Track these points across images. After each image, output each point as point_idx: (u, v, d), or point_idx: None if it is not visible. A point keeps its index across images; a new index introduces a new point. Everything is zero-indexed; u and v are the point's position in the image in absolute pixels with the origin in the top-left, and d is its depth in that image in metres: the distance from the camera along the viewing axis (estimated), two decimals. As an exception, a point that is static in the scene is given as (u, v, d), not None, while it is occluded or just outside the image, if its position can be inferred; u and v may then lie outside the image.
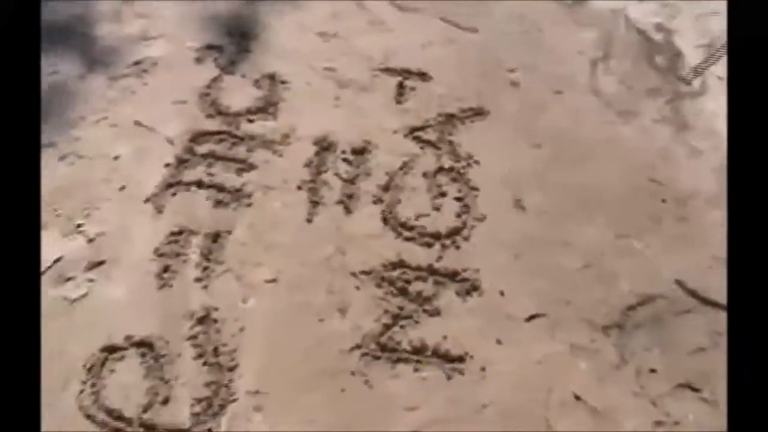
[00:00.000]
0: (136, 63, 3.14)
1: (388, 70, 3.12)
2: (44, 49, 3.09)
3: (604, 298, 2.49)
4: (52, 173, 2.76)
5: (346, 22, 3.30)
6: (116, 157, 2.83)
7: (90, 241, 2.60)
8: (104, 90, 3.05)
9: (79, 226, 2.64)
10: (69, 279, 2.51)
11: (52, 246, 2.57)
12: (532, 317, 2.45)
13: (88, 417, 2.22)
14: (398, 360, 2.34)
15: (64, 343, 2.36)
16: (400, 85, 3.07)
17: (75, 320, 2.42)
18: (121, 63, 3.14)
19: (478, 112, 2.97)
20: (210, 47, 3.21)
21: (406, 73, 3.11)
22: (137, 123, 2.93)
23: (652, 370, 2.35)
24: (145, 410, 2.24)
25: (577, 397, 2.29)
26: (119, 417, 2.22)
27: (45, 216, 2.65)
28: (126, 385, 2.29)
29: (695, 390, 2.31)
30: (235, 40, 3.23)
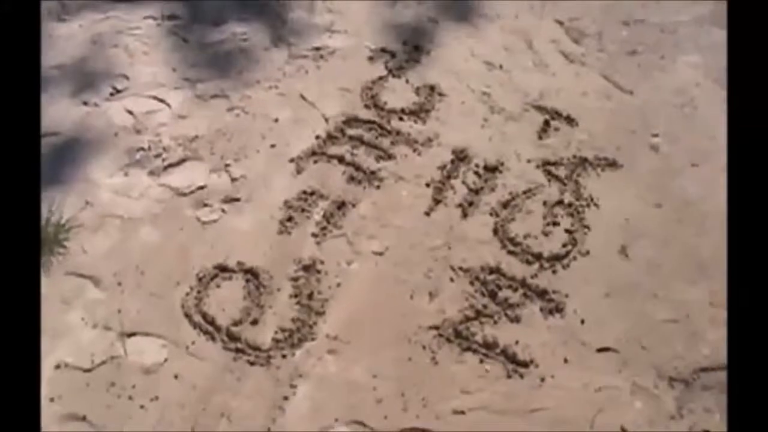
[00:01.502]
0: (316, 48, 3.49)
1: (539, 108, 3.30)
2: (240, 18, 3.54)
3: (681, 355, 2.54)
4: (218, 118, 3.15)
5: (512, 58, 3.52)
6: (276, 120, 3.17)
7: (233, 180, 2.94)
8: (282, 64, 3.42)
9: (227, 165, 2.99)
10: (206, 205, 2.86)
11: (199, 175, 2.96)
12: (604, 349, 2.54)
13: (186, 316, 2.55)
14: (468, 348, 2.51)
15: (187, 252, 2.71)
16: (546, 123, 3.23)
17: (201, 238, 2.76)
18: (303, 45, 3.50)
19: (612, 164, 3.10)
20: (384, 50, 3.51)
21: (555, 114, 3.27)
22: (302, 97, 3.27)
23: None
24: (234, 324, 2.53)
25: (624, 430, 2.37)
26: (211, 322, 2.53)
27: (201, 151, 3.02)
28: (226, 299, 2.60)
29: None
30: (408, 49, 3.52)
